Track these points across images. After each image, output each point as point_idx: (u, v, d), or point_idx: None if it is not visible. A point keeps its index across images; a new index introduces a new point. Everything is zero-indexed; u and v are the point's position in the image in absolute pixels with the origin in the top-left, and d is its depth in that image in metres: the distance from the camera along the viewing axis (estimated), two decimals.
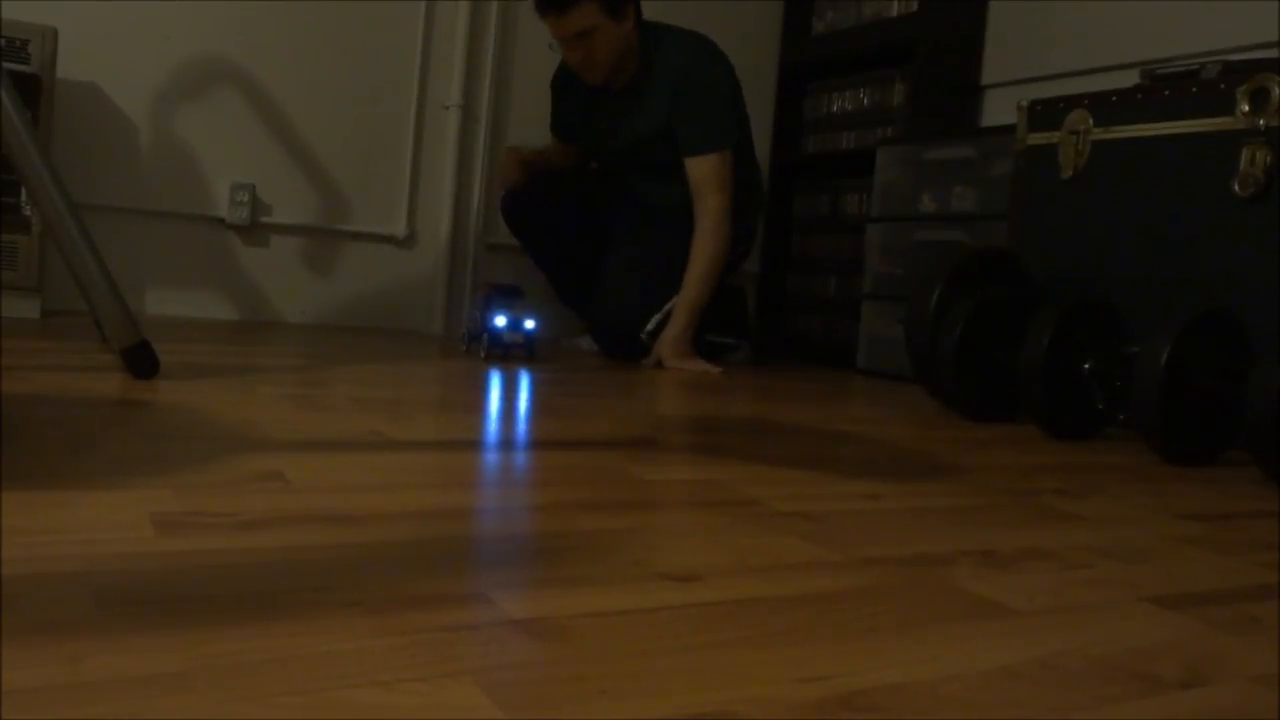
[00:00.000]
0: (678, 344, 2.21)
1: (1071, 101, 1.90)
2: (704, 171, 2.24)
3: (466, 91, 2.65)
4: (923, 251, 2.41)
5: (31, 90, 1.86)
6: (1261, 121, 1.61)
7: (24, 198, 1.89)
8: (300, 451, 0.91)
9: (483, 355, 2.01)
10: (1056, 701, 0.49)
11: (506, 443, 1.07)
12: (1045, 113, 1.95)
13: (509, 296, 2.02)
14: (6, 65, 1.77)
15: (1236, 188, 1.64)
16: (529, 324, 2.02)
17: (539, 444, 1.08)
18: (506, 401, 1.41)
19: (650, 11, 2.81)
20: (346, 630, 0.49)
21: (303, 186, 2.49)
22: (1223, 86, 1.67)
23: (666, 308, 2.26)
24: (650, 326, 2.27)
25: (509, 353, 2.07)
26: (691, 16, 2.88)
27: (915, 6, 2.66)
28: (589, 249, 2.45)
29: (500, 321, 1.99)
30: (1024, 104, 1.99)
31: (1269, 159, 1.60)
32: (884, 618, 0.59)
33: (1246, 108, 1.63)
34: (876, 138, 2.65)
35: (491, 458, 0.98)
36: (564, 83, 2.42)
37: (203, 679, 0.42)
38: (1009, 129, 2.11)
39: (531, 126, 2.75)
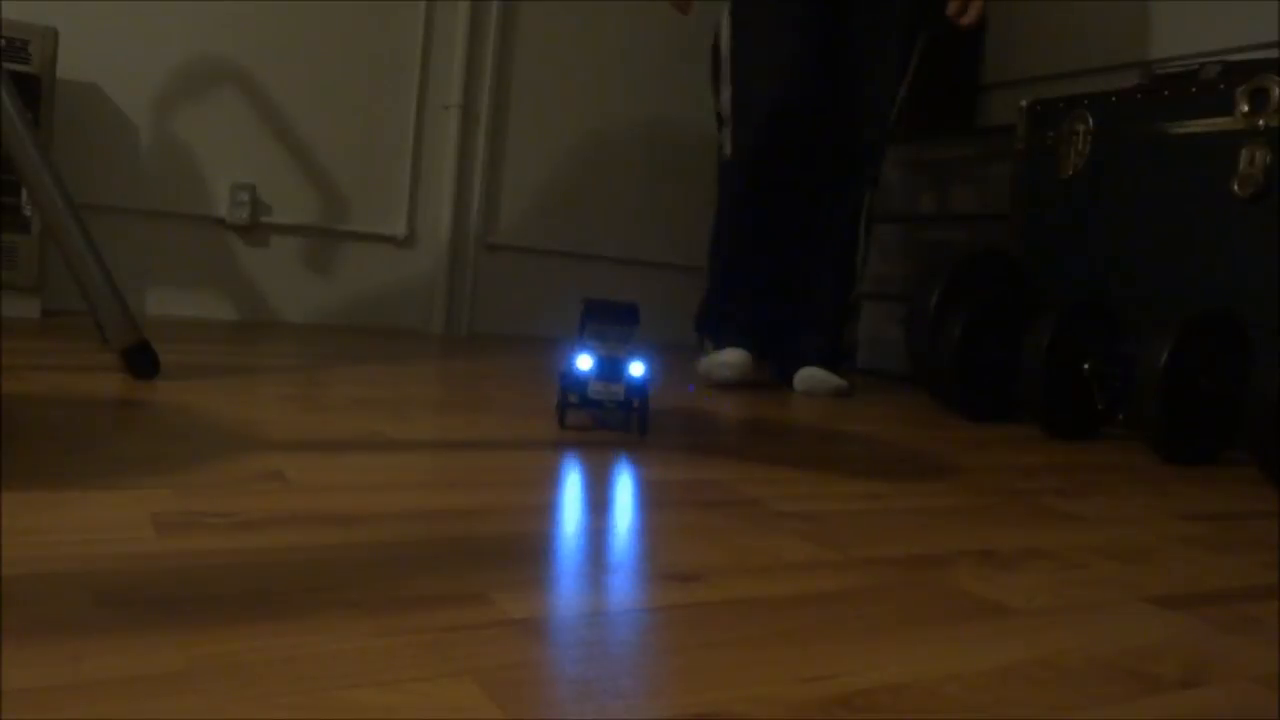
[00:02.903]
0: None
1: (1071, 101, 1.90)
2: None
3: (466, 91, 2.65)
4: (923, 251, 2.41)
5: (31, 90, 1.86)
6: (1261, 121, 1.61)
7: (24, 198, 1.89)
8: (300, 451, 0.91)
9: (560, 423, 1.21)
10: (1056, 701, 0.49)
11: (506, 443, 1.07)
12: (1045, 113, 1.95)
13: (609, 321, 1.20)
14: (6, 65, 1.77)
15: (1236, 188, 1.64)
16: (637, 370, 1.18)
17: (538, 444, 1.08)
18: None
19: (647, 13, 2.82)
20: (346, 630, 0.49)
21: (303, 186, 2.49)
22: (1223, 86, 1.67)
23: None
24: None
25: (606, 420, 1.27)
26: (690, 17, 2.88)
27: None
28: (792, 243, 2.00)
29: (585, 364, 1.17)
30: (1024, 104, 1.99)
31: (1269, 159, 1.60)
32: (884, 618, 0.59)
33: (1246, 108, 1.63)
34: None
35: (491, 458, 0.98)
36: None
37: (203, 679, 0.42)
38: (1009, 129, 2.11)
39: (532, 126, 2.75)
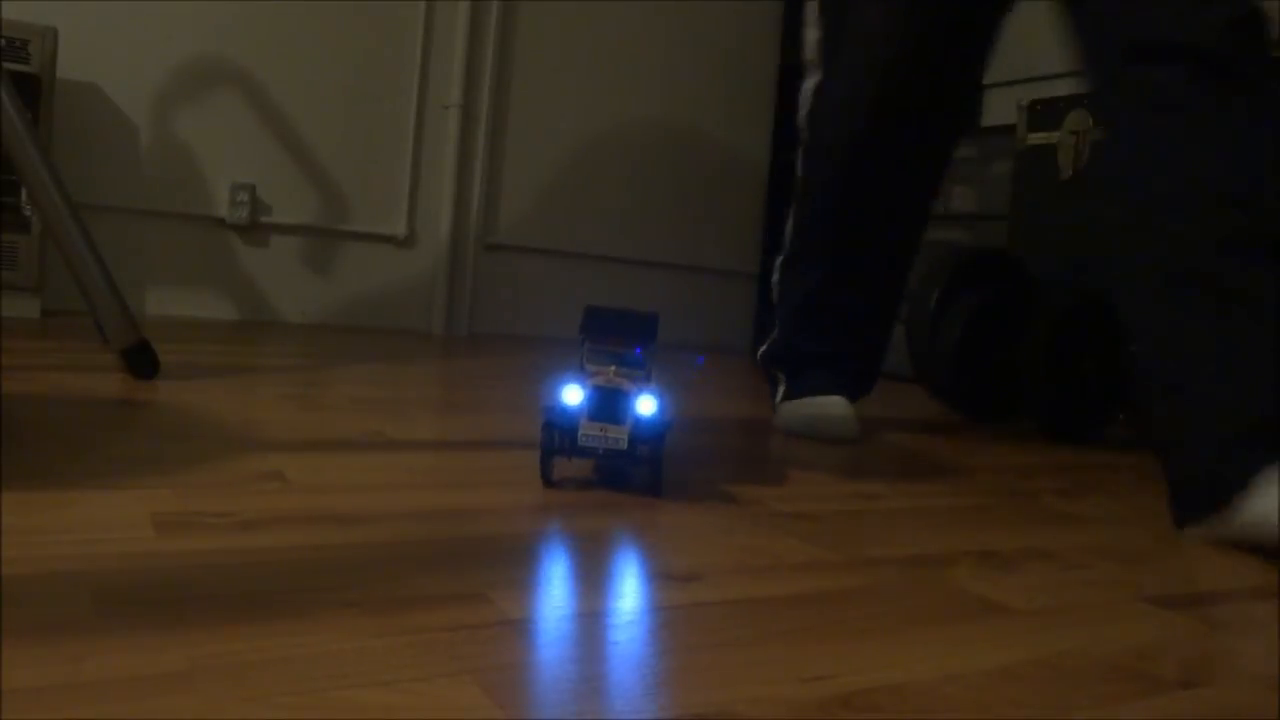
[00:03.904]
0: None
1: (1071, 101, 1.90)
2: None
3: (466, 91, 2.65)
4: (923, 251, 2.41)
5: (31, 90, 1.86)
6: None
7: (24, 198, 1.89)
8: (300, 451, 0.91)
9: (543, 479, 0.88)
10: (1056, 701, 0.49)
11: (507, 443, 1.07)
12: (1045, 113, 1.95)
13: (615, 336, 0.90)
14: (6, 65, 1.77)
15: None
16: (645, 406, 0.85)
17: (538, 444, 1.07)
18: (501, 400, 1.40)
19: (647, 12, 2.82)
20: (346, 630, 0.49)
21: (303, 186, 2.49)
22: None
23: None
24: None
25: (605, 473, 0.95)
26: (690, 16, 2.88)
27: None
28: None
29: (573, 398, 0.85)
30: (1024, 104, 1.99)
31: None
32: (884, 618, 0.59)
33: None
34: None
35: (491, 458, 0.98)
36: None
37: (203, 679, 0.42)
38: (1009, 129, 2.11)
39: (532, 126, 2.75)
